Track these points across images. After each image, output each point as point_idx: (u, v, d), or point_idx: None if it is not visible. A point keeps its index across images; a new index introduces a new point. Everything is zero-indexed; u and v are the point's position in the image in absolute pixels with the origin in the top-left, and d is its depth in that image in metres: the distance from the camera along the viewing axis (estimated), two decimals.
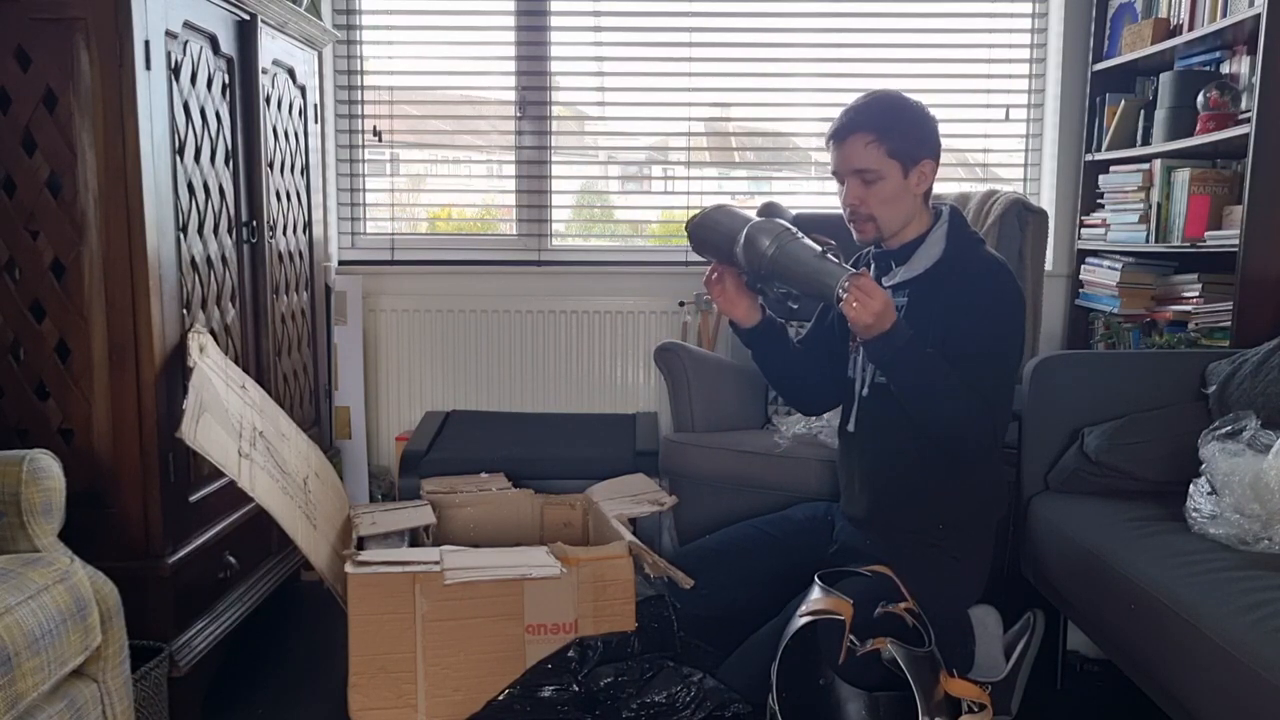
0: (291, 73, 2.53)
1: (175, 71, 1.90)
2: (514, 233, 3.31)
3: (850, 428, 1.91)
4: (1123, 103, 2.92)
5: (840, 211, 1.88)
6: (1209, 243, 2.48)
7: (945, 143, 1.85)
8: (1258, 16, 2.28)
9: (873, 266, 1.91)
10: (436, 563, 1.74)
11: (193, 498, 1.97)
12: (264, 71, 2.31)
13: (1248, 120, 2.34)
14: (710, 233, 1.82)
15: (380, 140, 3.26)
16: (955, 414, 1.70)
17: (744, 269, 1.79)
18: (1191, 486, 1.84)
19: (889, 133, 1.76)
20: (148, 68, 1.78)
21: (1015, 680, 1.90)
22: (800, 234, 1.72)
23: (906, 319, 1.79)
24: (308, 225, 2.69)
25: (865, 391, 1.87)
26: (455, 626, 1.72)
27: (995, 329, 1.74)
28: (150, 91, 1.79)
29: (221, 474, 1.79)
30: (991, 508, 1.90)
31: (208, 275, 2.05)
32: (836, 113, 1.83)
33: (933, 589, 1.70)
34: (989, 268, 1.78)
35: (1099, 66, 3.00)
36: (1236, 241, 2.35)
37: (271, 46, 2.36)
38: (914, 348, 1.67)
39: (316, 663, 2.29)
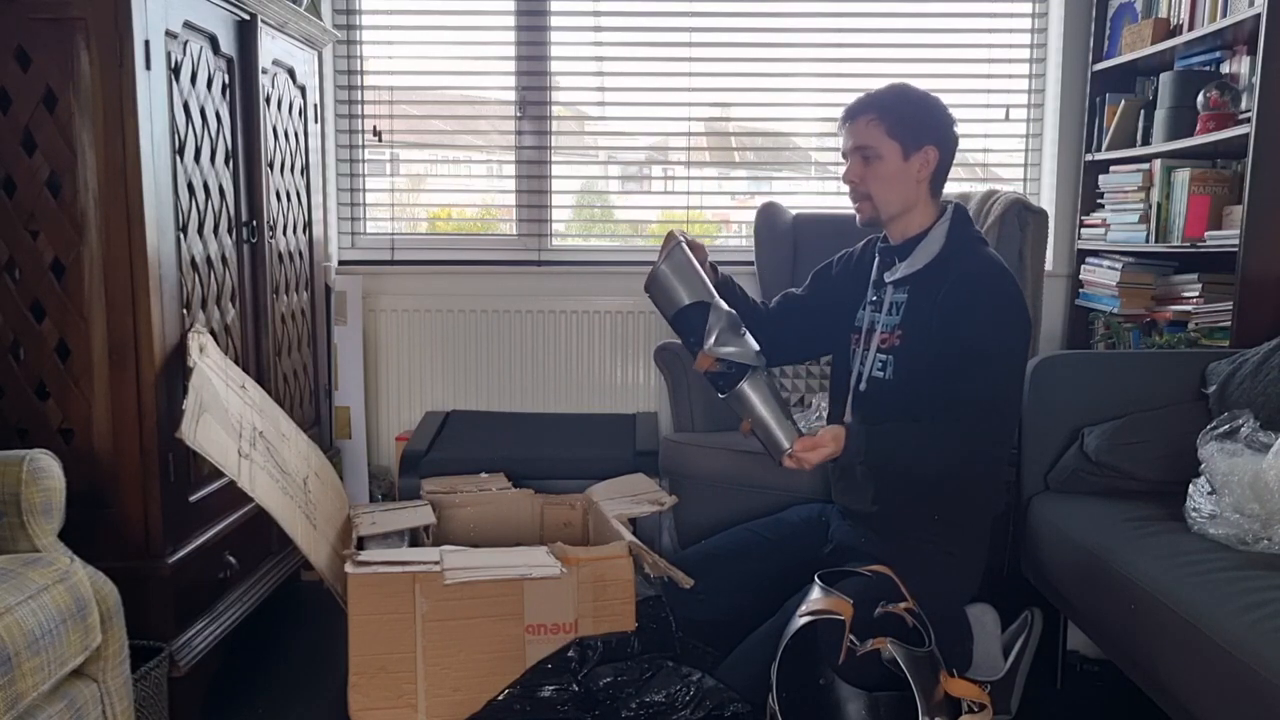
0: (291, 73, 2.53)
1: (175, 71, 1.90)
2: (514, 233, 3.31)
3: (847, 419, 1.91)
4: (1123, 103, 2.92)
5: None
6: (1209, 243, 2.48)
7: None
8: (1258, 16, 2.28)
9: (878, 260, 1.91)
10: (436, 563, 1.74)
11: (193, 498, 1.97)
12: (264, 71, 2.31)
13: (1248, 120, 2.34)
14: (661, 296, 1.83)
15: (380, 140, 3.26)
16: (940, 460, 1.75)
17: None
18: (1191, 486, 1.84)
19: (889, 113, 1.79)
20: (148, 68, 1.78)
21: (1014, 679, 1.91)
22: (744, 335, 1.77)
23: (905, 315, 1.80)
24: (308, 225, 2.69)
25: (863, 387, 1.87)
26: (455, 626, 1.72)
27: (985, 332, 1.72)
28: (150, 91, 1.79)
29: (221, 474, 1.79)
30: (989, 506, 1.89)
31: (208, 275, 2.05)
32: (836, 112, 1.88)
33: (926, 586, 1.70)
34: (984, 269, 1.77)
35: (1099, 66, 3.00)
36: (1236, 241, 2.35)
37: (271, 46, 2.36)
38: (875, 442, 1.74)
39: (316, 663, 2.29)
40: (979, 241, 1.84)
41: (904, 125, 1.78)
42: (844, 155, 1.87)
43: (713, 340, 1.73)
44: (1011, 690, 1.91)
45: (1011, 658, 1.90)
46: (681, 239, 1.83)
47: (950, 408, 1.72)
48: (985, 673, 1.87)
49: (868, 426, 1.78)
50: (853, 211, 1.89)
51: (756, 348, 1.76)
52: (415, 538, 2.09)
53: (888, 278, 1.86)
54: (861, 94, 1.85)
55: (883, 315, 1.86)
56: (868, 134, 1.80)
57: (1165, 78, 2.71)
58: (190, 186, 1.97)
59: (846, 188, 1.87)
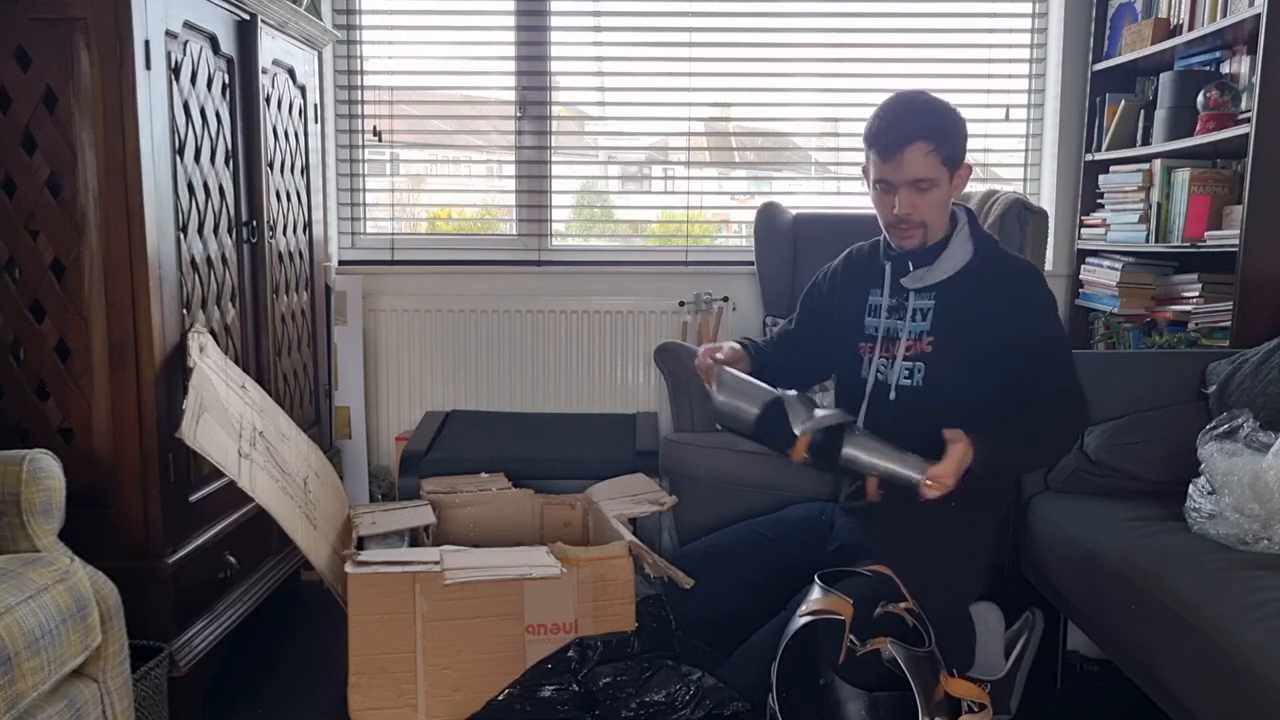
0: (291, 73, 2.53)
1: (175, 71, 1.90)
2: (514, 233, 3.31)
3: (860, 424, 1.90)
4: (1123, 103, 2.92)
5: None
6: (1209, 243, 2.48)
7: None
8: (1258, 16, 2.28)
9: (888, 268, 1.89)
10: (436, 563, 1.74)
11: (193, 498, 1.97)
12: (264, 71, 2.31)
13: (1248, 120, 2.34)
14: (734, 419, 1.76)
15: (380, 140, 3.26)
16: (1055, 451, 1.85)
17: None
18: (1191, 486, 1.84)
19: (945, 140, 1.72)
20: (148, 68, 1.78)
21: (1014, 679, 1.91)
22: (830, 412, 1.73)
23: (936, 321, 1.80)
24: (308, 225, 2.69)
25: (893, 395, 1.85)
26: (455, 626, 1.72)
27: (1051, 323, 1.82)
28: (150, 91, 1.79)
29: (221, 474, 1.79)
30: (996, 507, 1.90)
31: (208, 275, 2.05)
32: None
33: (932, 587, 1.70)
34: (1027, 267, 1.86)
35: (1099, 66, 3.00)
36: (1236, 241, 2.35)
37: (271, 46, 2.36)
38: (994, 449, 1.67)
39: (316, 663, 2.29)
40: (996, 243, 1.89)
41: (954, 150, 1.74)
42: (879, 184, 1.76)
43: (801, 423, 1.69)
44: (1011, 690, 1.91)
45: (1012, 658, 1.90)
46: (712, 360, 1.81)
47: (1046, 399, 1.75)
48: (986, 672, 1.87)
49: (981, 433, 1.68)
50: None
51: (833, 408, 1.76)
52: (415, 538, 2.09)
53: (909, 284, 1.84)
54: (889, 118, 1.73)
55: (907, 322, 1.84)
56: (926, 166, 1.71)
57: (1165, 78, 2.71)
58: (190, 186, 1.97)
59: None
